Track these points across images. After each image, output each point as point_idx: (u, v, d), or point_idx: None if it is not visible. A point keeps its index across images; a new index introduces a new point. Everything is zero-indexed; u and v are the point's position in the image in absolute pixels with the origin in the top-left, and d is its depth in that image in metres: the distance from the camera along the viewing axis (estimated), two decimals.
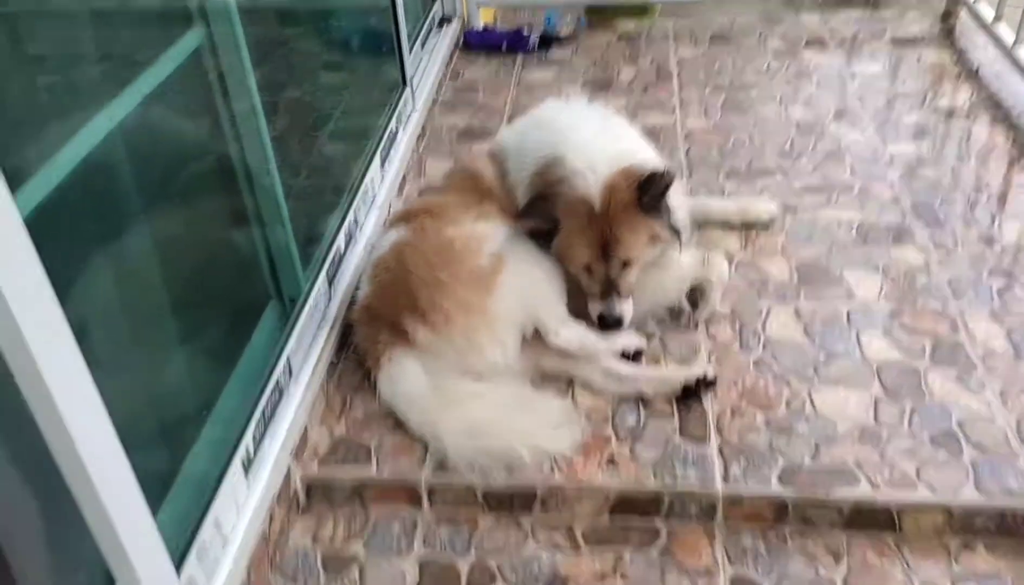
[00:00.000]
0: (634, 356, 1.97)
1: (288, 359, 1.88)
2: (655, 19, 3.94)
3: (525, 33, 3.58)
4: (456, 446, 1.75)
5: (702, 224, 2.41)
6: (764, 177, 2.64)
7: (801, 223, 2.42)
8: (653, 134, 2.90)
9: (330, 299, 2.14)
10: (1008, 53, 2.98)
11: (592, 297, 1.97)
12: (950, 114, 2.90)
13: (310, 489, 1.82)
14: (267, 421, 1.78)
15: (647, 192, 1.87)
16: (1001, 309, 2.07)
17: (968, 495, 1.64)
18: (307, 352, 1.97)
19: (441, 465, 1.79)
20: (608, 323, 1.94)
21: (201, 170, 1.85)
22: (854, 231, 2.37)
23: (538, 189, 1.95)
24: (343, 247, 2.26)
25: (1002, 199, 2.47)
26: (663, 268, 2.03)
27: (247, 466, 1.68)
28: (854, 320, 2.07)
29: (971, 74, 3.12)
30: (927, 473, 1.69)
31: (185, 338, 1.72)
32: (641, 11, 3.97)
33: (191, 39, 1.75)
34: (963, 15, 3.47)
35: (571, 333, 1.93)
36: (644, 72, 3.35)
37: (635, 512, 1.74)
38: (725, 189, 2.60)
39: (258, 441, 1.73)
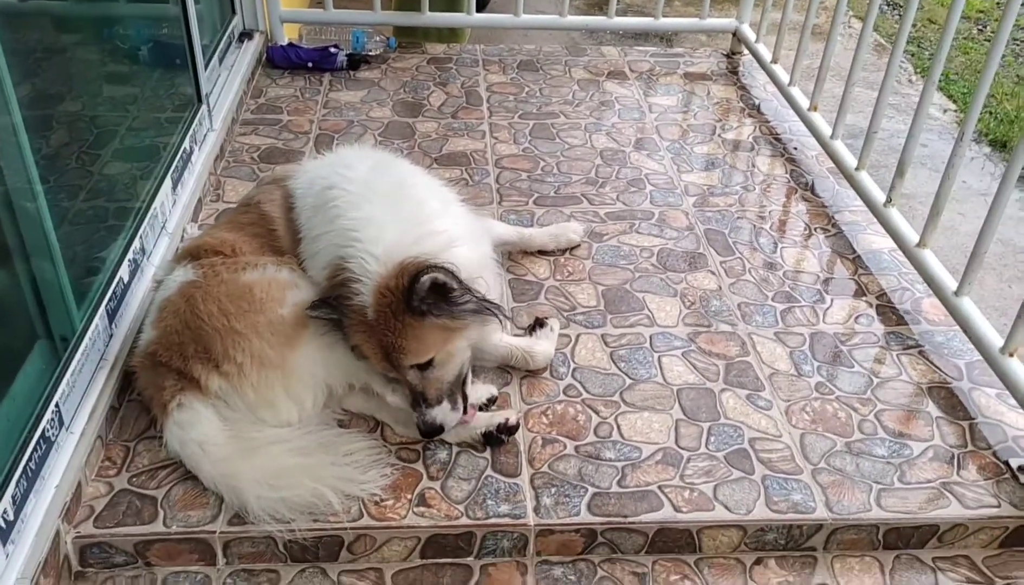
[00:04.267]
0: (489, 403, 1.92)
1: (58, 406, 1.68)
2: (465, 43, 3.97)
3: (332, 51, 3.47)
4: (258, 498, 1.62)
5: (516, 253, 2.44)
6: (571, 204, 2.71)
7: (606, 249, 2.49)
8: (464, 159, 2.91)
9: (111, 336, 1.94)
10: (783, 91, 3.25)
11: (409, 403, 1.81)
12: (736, 146, 3.11)
13: (84, 552, 1.63)
14: (31, 478, 1.57)
15: (414, 298, 1.66)
16: (784, 331, 2.22)
17: (759, 512, 1.73)
18: (82, 397, 1.77)
19: (238, 515, 1.65)
20: (427, 433, 1.77)
21: None
22: (655, 257, 2.47)
23: (325, 292, 1.78)
24: (127, 278, 2.06)
25: (782, 227, 2.67)
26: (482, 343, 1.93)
27: (5, 533, 1.47)
28: (656, 344, 2.15)
29: (754, 109, 3.37)
30: (723, 492, 1.77)
31: None
32: (451, 35, 3.98)
33: None
34: (746, 54, 3.75)
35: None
36: (454, 96, 3.34)
37: (447, 552, 1.70)
38: (535, 215, 2.64)
39: (19, 502, 1.52)
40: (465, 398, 1.81)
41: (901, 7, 3.71)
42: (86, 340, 1.80)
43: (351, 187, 1.85)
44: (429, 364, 1.73)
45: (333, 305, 1.74)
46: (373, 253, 1.71)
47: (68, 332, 1.79)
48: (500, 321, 1.80)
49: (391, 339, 1.69)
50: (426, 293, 1.66)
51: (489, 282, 1.83)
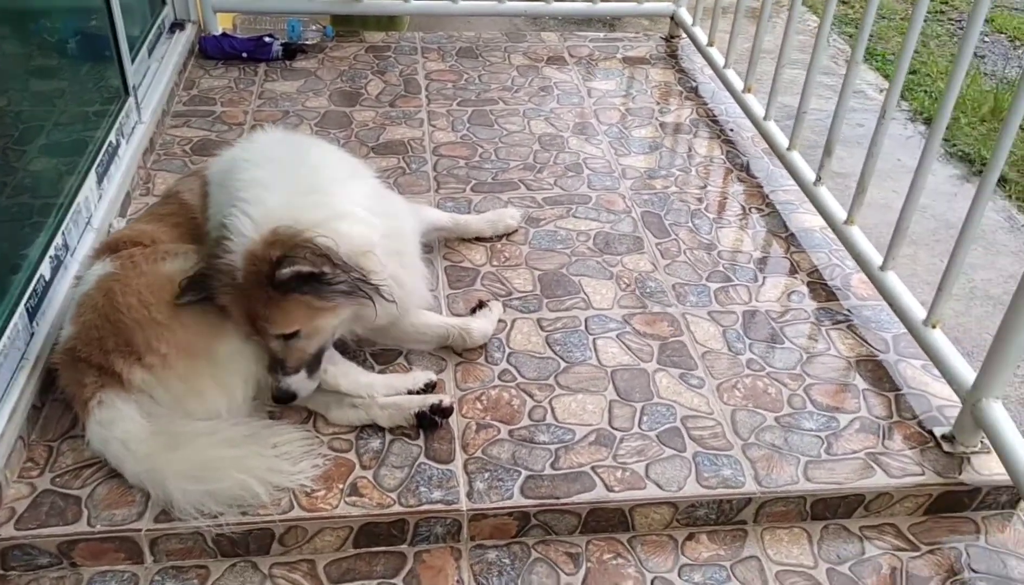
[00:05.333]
0: (427, 389, 1.92)
1: None
2: (403, 31, 3.94)
3: (267, 41, 3.42)
4: (183, 492, 1.59)
5: (453, 239, 2.44)
6: (509, 190, 2.70)
7: (543, 234, 2.50)
8: (401, 147, 2.89)
9: (32, 334, 1.89)
10: (719, 73, 3.27)
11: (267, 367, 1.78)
12: (674, 129, 3.13)
13: (6, 555, 1.59)
14: None
15: (279, 272, 1.61)
16: (718, 310, 2.25)
17: (690, 488, 1.75)
18: (1, 398, 1.72)
19: (165, 512, 1.63)
20: (279, 399, 1.76)
21: None
22: (591, 241, 2.48)
23: (204, 260, 1.75)
24: (48, 275, 2.01)
25: (719, 208, 2.69)
26: (414, 320, 1.97)
27: None
28: (591, 327, 2.16)
29: (691, 92, 3.40)
30: (655, 470, 1.79)
31: None
32: (389, 23, 3.95)
33: None
34: (684, 37, 3.78)
35: (338, 371, 1.83)
36: (392, 85, 3.32)
37: (380, 540, 1.69)
38: (472, 202, 2.63)
39: None
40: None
41: None
42: (4, 339, 1.76)
43: (249, 156, 1.85)
44: (294, 335, 1.71)
45: (200, 283, 1.70)
46: (250, 214, 1.68)
47: None
48: (374, 304, 1.73)
49: (257, 308, 1.66)
50: (288, 278, 1.62)
51: (383, 260, 1.77)
